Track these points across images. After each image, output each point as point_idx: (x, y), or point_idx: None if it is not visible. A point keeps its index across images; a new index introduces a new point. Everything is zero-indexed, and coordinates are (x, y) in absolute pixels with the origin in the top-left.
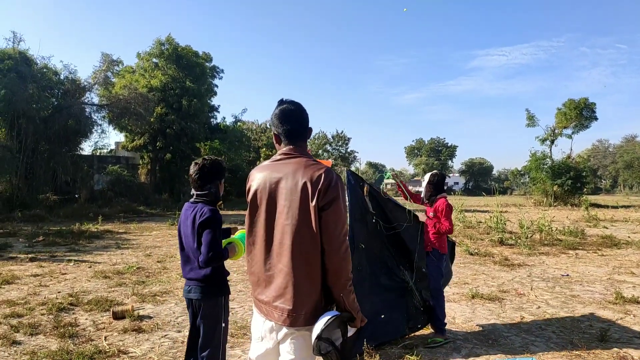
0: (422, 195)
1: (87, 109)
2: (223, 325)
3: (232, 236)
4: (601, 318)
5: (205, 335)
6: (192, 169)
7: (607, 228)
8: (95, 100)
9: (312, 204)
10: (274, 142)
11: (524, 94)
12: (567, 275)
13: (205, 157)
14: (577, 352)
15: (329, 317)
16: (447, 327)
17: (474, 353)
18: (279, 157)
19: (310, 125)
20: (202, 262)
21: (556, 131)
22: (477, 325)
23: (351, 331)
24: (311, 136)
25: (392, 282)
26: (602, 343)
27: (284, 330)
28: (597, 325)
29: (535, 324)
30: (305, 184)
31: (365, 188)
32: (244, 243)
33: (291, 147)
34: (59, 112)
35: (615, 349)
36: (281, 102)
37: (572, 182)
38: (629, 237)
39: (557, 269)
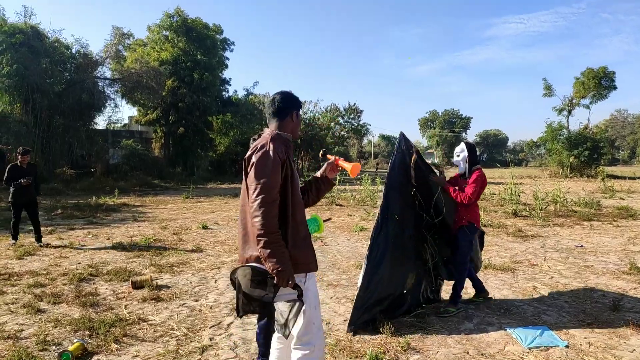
0: (459, 172)
1: (100, 83)
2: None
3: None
4: (614, 288)
5: None
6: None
7: (623, 199)
8: (108, 74)
9: (244, 170)
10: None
11: (542, 63)
12: (581, 246)
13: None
14: (589, 321)
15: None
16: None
17: (486, 322)
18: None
19: (279, 105)
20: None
21: (574, 101)
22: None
23: (284, 295)
24: (322, 109)
25: (417, 258)
26: (615, 312)
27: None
28: (610, 295)
29: (548, 294)
30: (245, 159)
31: (413, 157)
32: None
33: (265, 128)
34: (72, 86)
35: (628, 317)
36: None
37: (588, 153)
38: None
39: (571, 240)
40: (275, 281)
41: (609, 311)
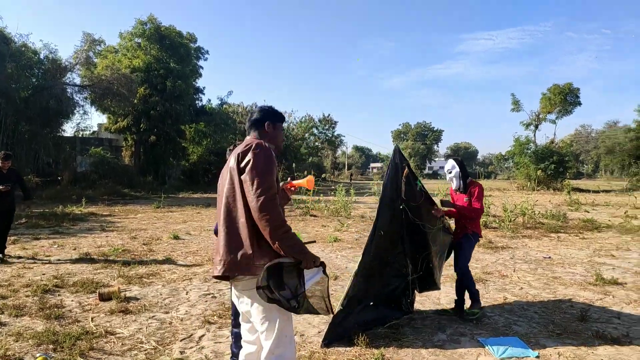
0: (454, 188)
1: (68, 90)
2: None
3: None
4: (582, 298)
5: None
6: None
7: (588, 212)
8: (77, 80)
9: (236, 167)
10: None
11: (510, 78)
12: (549, 257)
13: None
14: (558, 331)
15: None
16: (432, 308)
17: (458, 332)
18: (241, 143)
19: (256, 117)
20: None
21: (540, 116)
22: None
23: (312, 277)
24: (297, 120)
25: (396, 274)
26: (582, 322)
27: (235, 283)
28: (578, 305)
29: (518, 304)
30: (237, 154)
31: (405, 171)
32: None
33: (247, 137)
34: (39, 92)
35: (595, 328)
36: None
37: (555, 166)
38: (609, 220)
39: (540, 251)
40: (303, 266)
41: (577, 321)
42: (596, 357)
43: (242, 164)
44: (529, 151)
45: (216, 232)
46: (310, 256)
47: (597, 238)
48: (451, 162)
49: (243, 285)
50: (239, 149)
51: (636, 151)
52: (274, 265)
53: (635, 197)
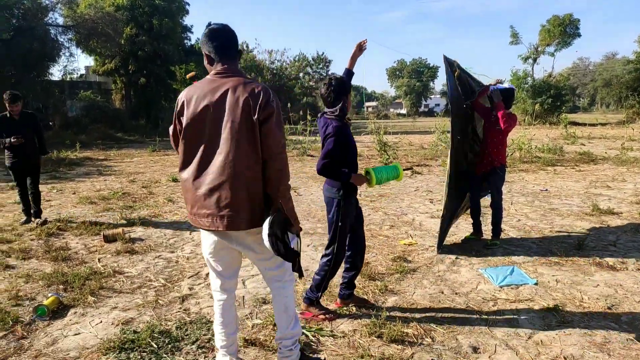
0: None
1: (52, 31)
2: (340, 224)
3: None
4: (578, 228)
5: (328, 230)
6: (323, 89)
7: (584, 145)
8: (60, 20)
9: (254, 117)
10: (206, 64)
11: (510, 11)
12: (546, 190)
13: (332, 76)
14: (555, 260)
15: (269, 218)
16: (433, 241)
17: (458, 263)
18: (214, 76)
19: (239, 48)
20: (316, 168)
21: (539, 49)
22: (460, 238)
23: (293, 240)
24: (290, 59)
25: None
26: (579, 251)
27: (232, 234)
28: (575, 235)
29: (516, 235)
30: (247, 99)
31: (456, 73)
32: (377, 174)
33: (225, 66)
34: (21, 34)
35: (592, 256)
36: (209, 24)
37: (552, 101)
38: (605, 152)
39: (536, 184)
40: (294, 229)
41: (574, 250)
42: (593, 282)
43: (265, 114)
44: (527, 85)
45: (199, 180)
46: (298, 220)
47: (594, 170)
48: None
49: (247, 236)
50: (244, 92)
51: (634, 83)
52: (279, 220)
53: (632, 129)
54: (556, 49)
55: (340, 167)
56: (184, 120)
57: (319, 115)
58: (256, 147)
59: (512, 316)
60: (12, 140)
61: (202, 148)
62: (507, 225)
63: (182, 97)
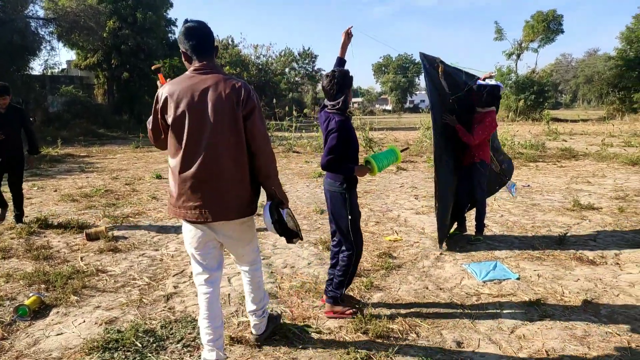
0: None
1: (32, 23)
2: (350, 217)
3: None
4: (559, 224)
5: (335, 224)
6: (325, 82)
7: (566, 141)
8: (41, 13)
9: (237, 112)
10: (184, 60)
11: (495, 7)
12: (528, 185)
13: (334, 69)
14: (537, 254)
15: (268, 205)
16: (418, 237)
17: (442, 259)
18: (193, 73)
19: (216, 44)
20: (321, 164)
21: (523, 45)
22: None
23: (284, 212)
24: (275, 54)
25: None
26: (561, 246)
27: (218, 225)
28: (556, 230)
29: (499, 231)
30: (229, 94)
31: (440, 68)
32: (377, 162)
33: (204, 62)
34: (1, 26)
35: (572, 250)
36: (186, 21)
37: (534, 97)
38: (586, 148)
39: (519, 180)
40: (284, 205)
41: (555, 245)
42: (573, 277)
43: (248, 109)
44: (510, 81)
45: (187, 175)
46: (287, 198)
47: (575, 166)
48: (497, 84)
49: (233, 226)
50: (228, 88)
51: (614, 80)
52: (275, 204)
53: (612, 125)
54: (539, 45)
55: (343, 161)
56: (169, 116)
57: (319, 108)
58: (241, 139)
59: (495, 310)
60: None
61: (187, 143)
62: (491, 221)
63: (163, 93)
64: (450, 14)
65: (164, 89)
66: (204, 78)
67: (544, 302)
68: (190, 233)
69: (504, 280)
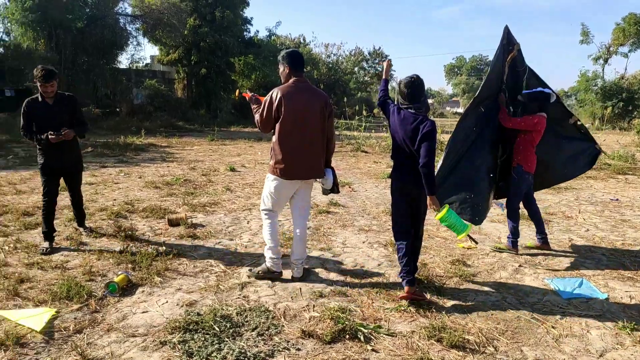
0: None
1: (121, 20)
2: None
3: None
4: None
5: (418, 221)
6: (405, 82)
7: None
8: (129, 10)
9: (324, 113)
10: (282, 71)
11: (578, 6)
12: (617, 199)
13: (413, 74)
14: (629, 275)
15: (331, 172)
16: (494, 246)
17: (521, 271)
18: (295, 83)
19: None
20: (422, 165)
21: (611, 49)
22: (523, 246)
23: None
24: (346, 53)
25: (488, 166)
26: None
27: (310, 180)
28: None
29: (584, 246)
30: (321, 101)
31: (512, 54)
32: (448, 214)
33: (302, 76)
34: (94, 22)
35: None
36: (288, 48)
37: (623, 104)
38: None
39: (606, 193)
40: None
41: None
42: None
43: (328, 111)
44: (596, 87)
45: (295, 150)
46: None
47: None
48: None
49: (312, 180)
50: (319, 96)
51: None
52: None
53: None
54: (630, 50)
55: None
56: (285, 111)
57: (396, 108)
58: (324, 129)
59: (581, 331)
60: (49, 136)
61: (298, 130)
62: (575, 235)
63: (278, 94)
64: (528, 14)
65: (277, 93)
66: (305, 87)
67: (637, 327)
68: (287, 187)
69: (591, 299)
